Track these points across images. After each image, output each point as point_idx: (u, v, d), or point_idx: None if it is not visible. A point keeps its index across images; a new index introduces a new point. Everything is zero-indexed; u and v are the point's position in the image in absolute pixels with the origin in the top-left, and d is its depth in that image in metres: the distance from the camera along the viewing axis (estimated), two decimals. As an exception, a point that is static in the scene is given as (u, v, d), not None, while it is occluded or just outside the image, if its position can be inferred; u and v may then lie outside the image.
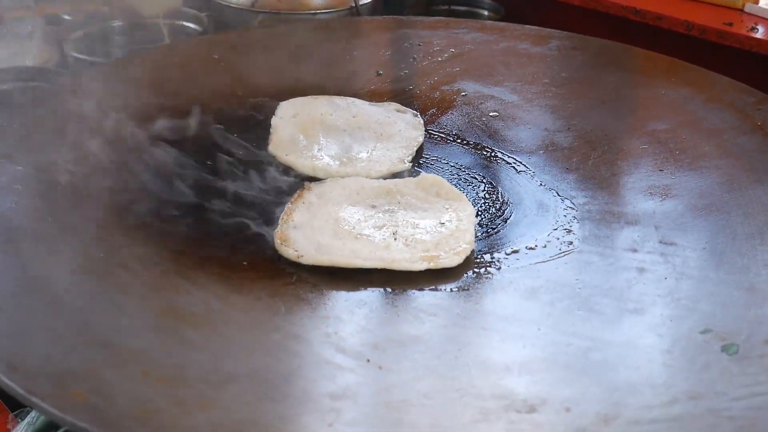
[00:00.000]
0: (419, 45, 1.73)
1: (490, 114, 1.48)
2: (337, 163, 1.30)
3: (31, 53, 1.89)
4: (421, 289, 1.02)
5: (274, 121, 1.39)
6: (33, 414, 1.05)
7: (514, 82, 1.59)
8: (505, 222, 1.18)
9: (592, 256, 1.09)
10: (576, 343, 0.92)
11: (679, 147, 1.34)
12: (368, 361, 0.89)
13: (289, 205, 1.16)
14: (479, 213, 1.19)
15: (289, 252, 1.07)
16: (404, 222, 1.14)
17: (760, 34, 1.83)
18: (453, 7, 2.43)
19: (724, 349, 0.90)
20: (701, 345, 0.92)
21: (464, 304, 1.01)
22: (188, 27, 2.03)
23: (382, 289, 1.02)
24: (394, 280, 1.03)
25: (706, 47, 1.89)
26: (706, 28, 1.87)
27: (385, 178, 1.26)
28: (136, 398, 0.82)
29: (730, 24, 1.87)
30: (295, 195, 1.19)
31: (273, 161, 1.29)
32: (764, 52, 1.80)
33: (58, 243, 1.07)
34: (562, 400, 0.83)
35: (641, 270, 1.05)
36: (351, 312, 0.98)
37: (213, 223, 1.14)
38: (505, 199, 1.23)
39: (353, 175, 1.25)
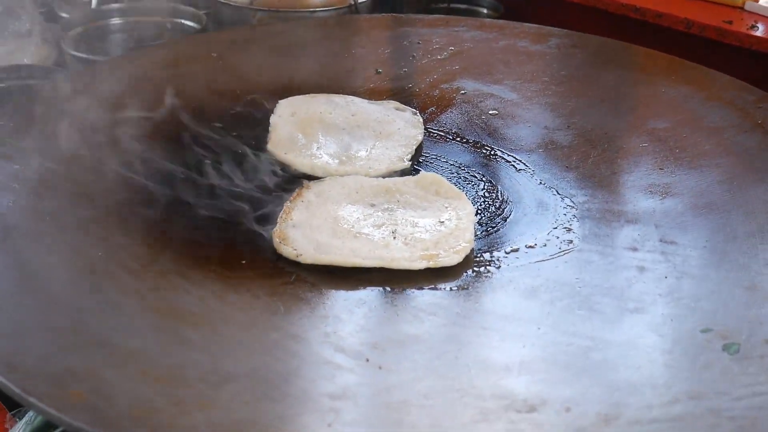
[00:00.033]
0: (418, 43, 1.73)
1: (490, 112, 1.48)
2: (336, 161, 1.29)
3: (29, 51, 1.89)
4: (421, 288, 1.02)
5: (272, 119, 1.38)
6: (31, 413, 1.05)
7: (514, 80, 1.59)
8: (505, 221, 1.17)
9: (592, 255, 1.09)
10: (576, 343, 0.92)
11: (679, 145, 1.34)
12: (367, 360, 0.89)
13: (287, 203, 1.16)
14: (479, 212, 1.19)
15: (288, 251, 1.06)
16: (403, 221, 1.14)
17: (760, 32, 1.82)
18: (452, 5, 2.43)
19: (725, 348, 0.90)
20: (702, 344, 0.91)
21: (464, 303, 1.00)
22: (187, 25, 2.03)
23: (381, 288, 1.02)
24: (394, 279, 1.03)
25: (706, 45, 1.88)
26: (706, 26, 1.86)
27: (384, 177, 1.25)
28: (135, 398, 0.82)
29: (730, 22, 1.86)
30: (294, 194, 1.19)
31: (272, 160, 1.28)
32: (764, 50, 1.80)
33: (56, 242, 1.06)
34: (562, 400, 0.83)
35: (641, 269, 1.05)
36: (350, 311, 0.98)
37: (212, 222, 1.13)
38: (505, 198, 1.23)
39: (352, 174, 1.25)
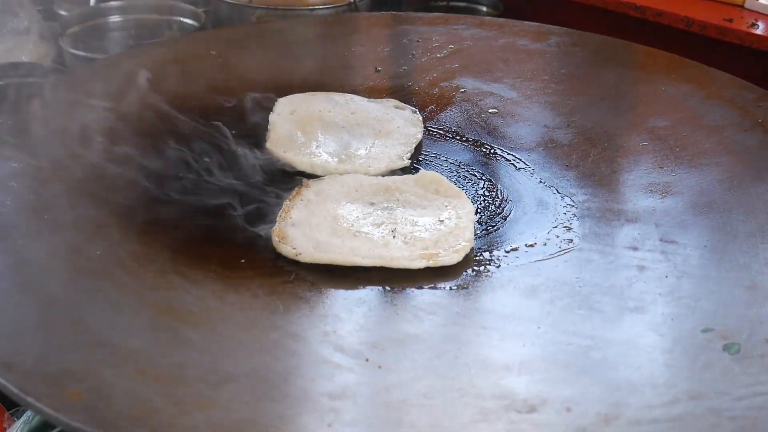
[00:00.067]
0: (418, 41, 1.72)
1: (490, 111, 1.47)
2: (336, 160, 1.29)
3: (27, 49, 1.88)
4: (420, 288, 1.02)
5: (271, 117, 1.38)
6: (29, 413, 1.05)
7: (514, 78, 1.58)
8: (505, 219, 1.17)
9: (593, 254, 1.08)
10: (576, 342, 0.92)
11: (680, 144, 1.33)
12: (367, 360, 0.89)
13: (287, 202, 1.15)
14: (478, 210, 1.18)
15: (287, 250, 1.06)
16: (403, 219, 1.13)
17: (760, 30, 1.82)
18: (451, 3, 2.42)
19: (726, 348, 0.90)
20: (702, 344, 0.91)
21: (464, 303, 1.00)
22: (185, 23, 2.02)
23: (380, 288, 1.01)
24: (393, 279, 1.03)
25: (707, 43, 1.88)
26: (707, 24, 1.86)
27: (383, 175, 1.25)
28: (134, 398, 0.82)
29: (731, 20, 1.86)
30: (293, 192, 1.18)
31: (271, 158, 1.28)
32: (765, 48, 1.79)
33: (54, 241, 1.06)
34: (562, 399, 0.83)
35: (642, 268, 1.05)
36: (349, 310, 0.98)
37: (210, 221, 1.13)
38: (505, 197, 1.22)
39: (352, 172, 1.25)
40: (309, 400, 0.84)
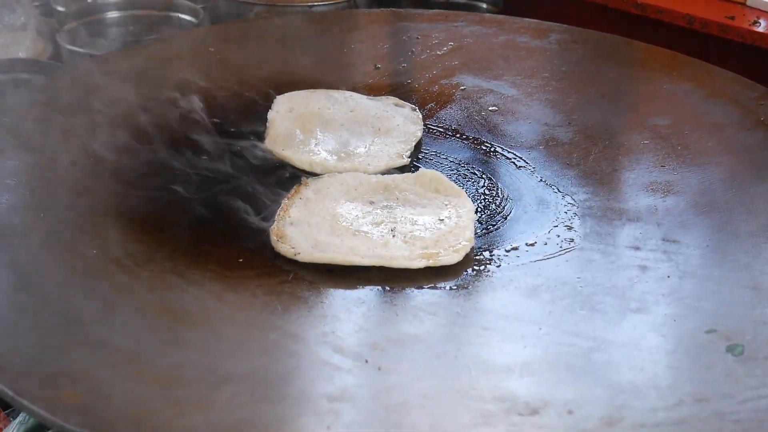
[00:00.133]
0: (417, 38, 1.71)
1: (490, 108, 1.46)
2: (335, 158, 1.28)
3: (24, 45, 1.87)
4: (420, 288, 1.01)
5: (270, 115, 1.37)
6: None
7: (514, 75, 1.57)
8: (505, 219, 1.16)
9: (594, 254, 1.08)
10: (578, 344, 0.91)
11: (681, 143, 1.32)
12: (366, 361, 0.88)
13: (285, 201, 1.15)
14: (478, 209, 1.17)
15: (285, 249, 1.05)
16: (403, 218, 1.12)
17: (762, 27, 1.81)
18: (451, 0, 2.41)
19: (729, 349, 0.89)
20: (706, 345, 0.90)
21: (464, 303, 0.99)
22: (184, 19, 2.01)
23: (380, 288, 1.00)
24: (393, 278, 1.02)
25: (708, 41, 1.87)
26: (708, 22, 1.85)
27: (383, 174, 1.24)
28: (131, 399, 0.81)
29: (732, 18, 1.85)
30: (292, 191, 1.17)
31: (269, 156, 1.27)
32: (767, 46, 1.78)
33: (50, 239, 1.05)
34: (564, 402, 0.82)
35: (643, 268, 1.04)
36: (349, 311, 0.97)
37: (208, 220, 1.12)
38: (505, 195, 1.21)
39: (351, 171, 1.24)
40: (308, 402, 0.83)
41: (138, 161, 1.22)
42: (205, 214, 1.13)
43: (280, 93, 1.43)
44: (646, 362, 0.88)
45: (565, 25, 1.74)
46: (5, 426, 1.05)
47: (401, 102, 1.45)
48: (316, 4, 1.96)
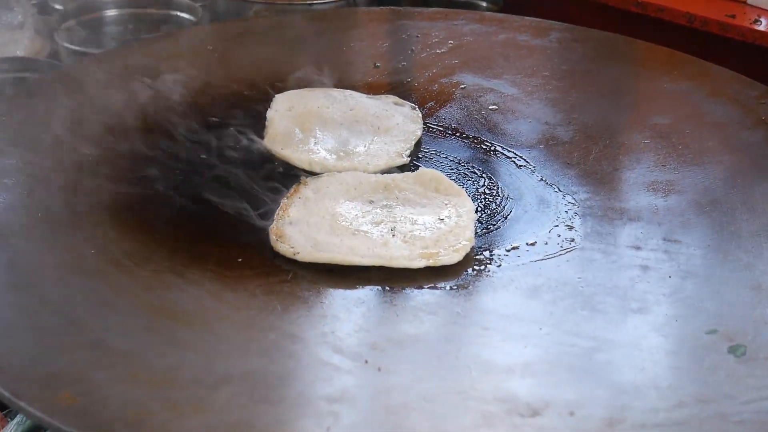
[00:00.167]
0: (417, 36, 1.70)
1: (490, 107, 1.45)
2: (334, 157, 1.27)
3: (22, 43, 1.86)
4: (420, 288, 1.00)
5: (269, 114, 1.36)
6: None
7: (514, 74, 1.56)
8: (505, 218, 1.15)
9: (595, 254, 1.07)
10: (579, 344, 0.90)
11: (682, 142, 1.32)
12: (366, 362, 0.87)
13: (284, 200, 1.14)
14: (479, 209, 1.17)
15: (285, 249, 1.04)
16: (402, 218, 1.12)
17: (763, 26, 1.80)
18: (451, -2, 2.40)
19: (731, 350, 0.88)
20: (708, 346, 0.90)
21: (464, 303, 0.99)
22: (182, 17, 2.00)
23: (380, 287, 1.00)
24: (393, 278, 1.01)
25: (709, 40, 1.86)
26: (709, 20, 1.84)
27: (382, 173, 1.23)
28: (127, 401, 0.80)
29: (733, 16, 1.84)
30: (291, 190, 1.17)
31: (268, 155, 1.26)
32: (767, 44, 1.78)
33: (47, 239, 1.05)
34: (565, 403, 0.81)
35: (645, 268, 1.03)
36: (348, 311, 0.96)
37: (207, 219, 1.12)
38: (505, 195, 1.21)
39: (350, 170, 1.23)
40: (307, 403, 0.83)
41: (136, 160, 1.21)
42: (203, 213, 1.12)
43: (279, 92, 1.43)
44: (648, 363, 0.87)
45: (566, 24, 1.74)
46: (3, 426, 1.05)
47: (401, 101, 1.44)
48: (315, 2, 1.95)
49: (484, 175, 1.26)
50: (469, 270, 1.04)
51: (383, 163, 1.26)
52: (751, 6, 1.90)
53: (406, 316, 0.95)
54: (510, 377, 0.86)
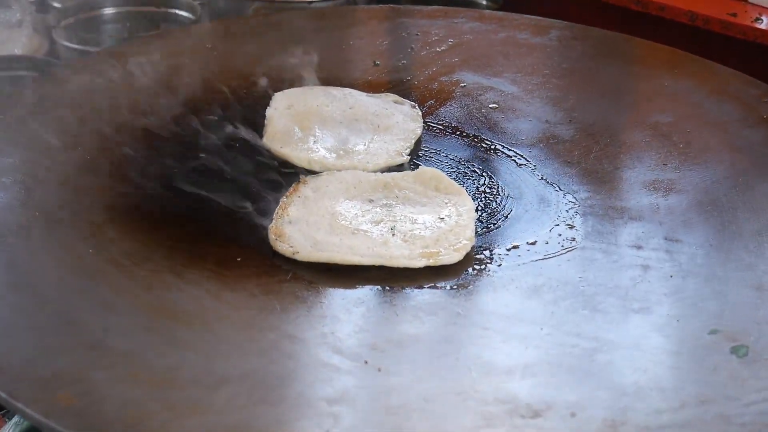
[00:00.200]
0: (417, 35, 1.70)
1: (490, 105, 1.45)
2: (334, 155, 1.27)
3: (20, 42, 1.86)
4: (420, 287, 1.00)
5: (268, 112, 1.35)
6: (20, 414, 1.03)
7: (514, 72, 1.56)
8: (506, 217, 1.15)
9: (596, 253, 1.07)
10: (581, 345, 0.90)
11: (683, 140, 1.31)
12: (366, 362, 0.87)
13: (284, 199, 1.13)
14: (479, 208, 1.16)
15: (284, 248, 1.04)
16: (402, 217, 1.11)
17: (764, 24, 1.80)
18: (450, -4, 2.40)
19: (734, 351, 0.88)
20: (710, 346, 0.89)
21: (464, 303, 0.98)
22: (181, 15, 2.00)
23: (379, 287, 0.99)
24: (393, 278, 1.01)
25: (710, 38, 1.86)
26: (710, 19, 1.84)
27: (382, 171, 1.23)
28: (126, 402, 0.80)
29: (735, 14, 1.84)
30: (290, 189, 1.16)
31: (267, 154, 1.26)
32: (768, 43, 1.78)
33: (45, 238, 1.04)
34: (567, 404, 0.81)
35: (646, 268, 1.03)
36: (348, 311, 0.96)
37: (206, 219, 1.11)
38: (506, 194, 1.20)
39: (350, 168, 1.22)
40: (307, 405, 0.82)
41: (134, 158, 1.21)
42: (202, 212, 1.12)
43: (278, 90, 1.42)
44: (649, 363, 0.87)
45: (566, 22, 1.73)
46: (1, 427, 1.04)
47: (401, 99, 1.44)
48: (314, 0, 1.94)
49: (484, 173, 1.25)
50: (470, 269, 1.03)
51: (383, 161, 1.26)
52: (753, 4, 1.90)
53: (406, 316, 0.95)
54: (511, 378, 0.85)
